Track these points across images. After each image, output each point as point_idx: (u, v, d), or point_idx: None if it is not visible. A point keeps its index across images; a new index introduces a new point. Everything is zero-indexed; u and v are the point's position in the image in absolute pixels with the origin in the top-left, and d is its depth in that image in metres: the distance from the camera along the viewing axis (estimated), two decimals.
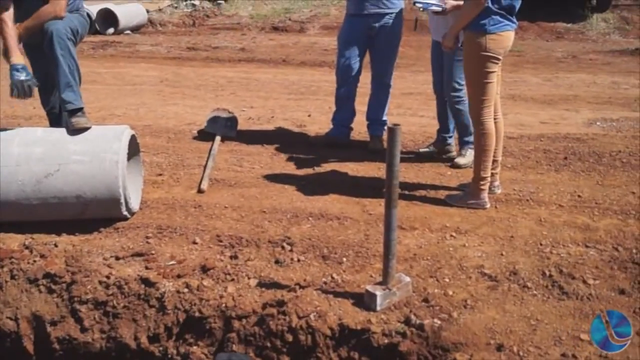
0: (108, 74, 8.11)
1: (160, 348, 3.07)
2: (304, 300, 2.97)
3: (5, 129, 3.95)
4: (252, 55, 9.47)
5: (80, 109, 3.97)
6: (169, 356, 3.05)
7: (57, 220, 3.78)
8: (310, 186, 4.38)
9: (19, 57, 3.77)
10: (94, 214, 3.80)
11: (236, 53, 9.68)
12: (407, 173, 4.50)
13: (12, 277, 3.36)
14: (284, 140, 5.44)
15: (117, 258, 3.45)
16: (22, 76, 3.73)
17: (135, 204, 3.98)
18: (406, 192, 4.14)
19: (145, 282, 3.20)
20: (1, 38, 3.81)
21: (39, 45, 3.94)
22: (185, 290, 3.13)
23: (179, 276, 3.24)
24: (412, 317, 2.83)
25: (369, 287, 2.95)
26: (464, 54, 3.87)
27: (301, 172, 4.70)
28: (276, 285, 3.13)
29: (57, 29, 3.83)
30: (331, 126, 5.32)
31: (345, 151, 5.08)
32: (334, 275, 3.21)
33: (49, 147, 3.76)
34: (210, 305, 3.04)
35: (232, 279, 3.20)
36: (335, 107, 5.24)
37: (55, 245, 3.59)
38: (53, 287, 3.27)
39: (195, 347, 3.02)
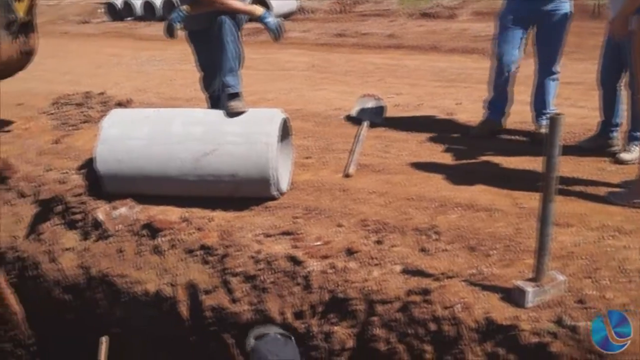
0: (261, 60, 8.43)
1: (304, 325, 3.16)
2: (449, 291, 2.91)
3: (168, 110, 4.24)
4: (400, 42, 9.38)
5: (239, 94, 4.16)
6: (312, 333, 3.13)
7: (212, 197, 4.00)
8: (458, 175, 4.26)
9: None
10: (246, 192, 3.97)
11: (384, 39, 9.64)
12: (564, 166, 4.20)
13: (172, 247, 3.61)
14: (432, 128, 5.33)
15: (267, 235, 3.59)
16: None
17: (284, 185, 4.12)
18: (563, 187, 3.87)
19: (293, 260, 3.30)
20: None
21: (205, 32, 4.18)
22: (331, 271, 3.19)
23: (325, 257, 3.31)
24: (565, 317, 2.67)
25: (519, 283, 2.82)
26: (633, 40, 3.55)
27: (449, 160, 4.59)
28: (421, 273, 3.09)
29: (227, 16, 4.03)
30: (484, 112, 5.14)
31: (497, 140, 4.89)
32: (482, 267, 3.11)
33: (207, 127, 3.98)
34: (355, 287, 3.07)
35: (377, 264, 3.21)
36: (491, 93, 5.05)
37: (210, 220, 3.80)
38: (208, 258, 3.48)
39: (337, 327, 3.08)
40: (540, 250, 2.75)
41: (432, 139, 5.06)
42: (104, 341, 3.56)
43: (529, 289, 2.76)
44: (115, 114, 4.25)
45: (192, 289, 3.45)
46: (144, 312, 3.62)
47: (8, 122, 5.95)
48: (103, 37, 12.23)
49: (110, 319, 3.81)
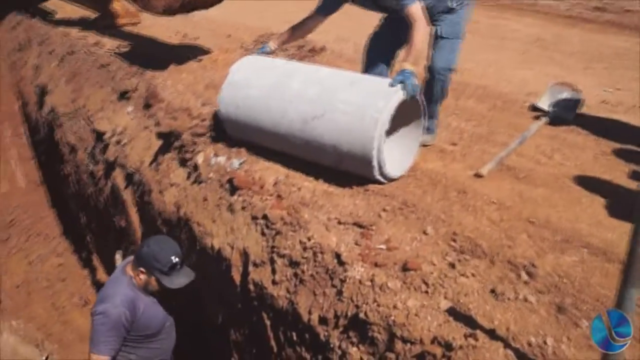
0: (484, 25, 7.57)
1: (326, 334, 2.76)
2: (480, 355, 2.25)
3: (296, 64, 3.97)
4: None
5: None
6: (330, 345, 2.72)
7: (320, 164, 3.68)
8: (617, 207, 3.29)
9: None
10: (349, 168, 3.58)
11: None
12: None
13: (242, 208, 3.41)
14: (631, 138, 4.22)
15: (339, 222, 3.18)
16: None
17: (396, 171, 3.61)
18: None
19: (338, 258, 2.87)
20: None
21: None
22: (368, 283, 2.70)
23: (376, 265, 2.81)
24: None
25: None
26: None
27: (620, 183, 3.58)
28: (465, 320, 2.44)
29: None
30: None
31: None
32: (549, 340, 2.34)
33: (323, 89, 3.62)
34: (380, 312, 2.55)
35: (424, 291, 2.62)
36: None
37: (299, 189, 3.50)
38: (265, 230, 3.21)
39: (354, 349, 2.62)
40: None
41: (618, 153, 4.01)
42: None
43: None
44: (248, 59, 4.10)
45: (245, 258, 3.24)
46: (209, 267, 3.53)
47: (206, 52, 6.21)
48: None
49: (188, 262, 3.81)
